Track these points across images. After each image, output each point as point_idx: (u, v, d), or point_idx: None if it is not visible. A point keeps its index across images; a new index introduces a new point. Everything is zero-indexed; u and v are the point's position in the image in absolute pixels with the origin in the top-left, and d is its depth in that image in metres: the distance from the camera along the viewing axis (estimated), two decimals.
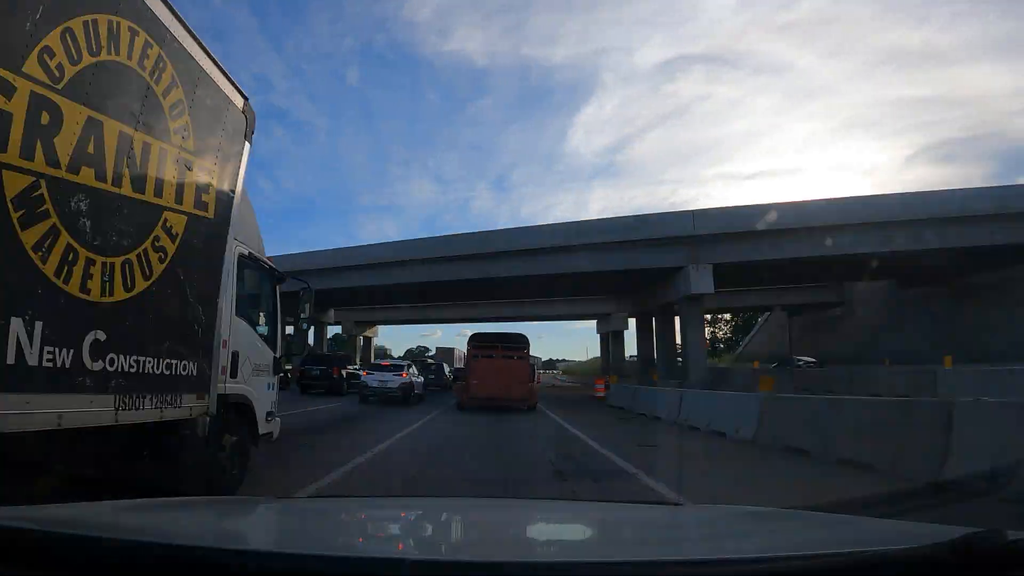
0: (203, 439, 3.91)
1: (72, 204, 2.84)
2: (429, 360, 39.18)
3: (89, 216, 2.93)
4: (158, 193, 3.46)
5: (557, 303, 44.49)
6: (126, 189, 3.19)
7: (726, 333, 65.16)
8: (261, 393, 5.19)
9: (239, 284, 4.74)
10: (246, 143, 4.59)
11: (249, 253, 5.06)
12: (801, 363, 30.97)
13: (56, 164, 2.72)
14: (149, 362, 3.35)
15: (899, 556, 1.16)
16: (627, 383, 24.22)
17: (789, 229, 23.39)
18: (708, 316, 44.27)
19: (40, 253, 2.65)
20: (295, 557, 1.24)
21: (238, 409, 4.73)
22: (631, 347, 43.13)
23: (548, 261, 27.05)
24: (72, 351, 2.83)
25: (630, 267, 26.54)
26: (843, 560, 1.15)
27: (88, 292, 2.93)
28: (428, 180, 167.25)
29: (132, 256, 3.24)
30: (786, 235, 23.70)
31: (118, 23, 3.06)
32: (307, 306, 6.92)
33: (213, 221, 4.03)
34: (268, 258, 5.68)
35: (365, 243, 35.86)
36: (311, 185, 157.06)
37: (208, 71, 4.00)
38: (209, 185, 3.99)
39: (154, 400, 3.37)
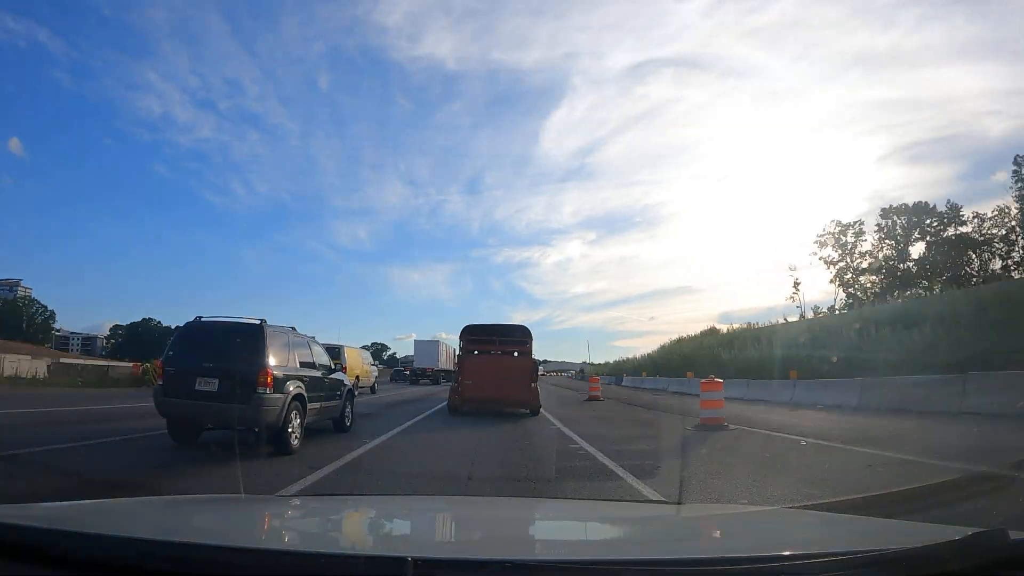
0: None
1: None
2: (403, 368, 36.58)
3: None
4: None
5: None
6: None
7: None
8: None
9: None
10: None
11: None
12: None
13: None
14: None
15: (902, 556, 1.16)
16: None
17: None
18: None
19: None
20: (298, 555, 1.24)
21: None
22: None
23: None
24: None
25: None
26: (844, 559, 1.15)
27: None
28: (400, 184, 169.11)
29: None
30: None
31: None
32: None
33: None
34: None
35: None
36: (284, 188, 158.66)
37: None
38: None
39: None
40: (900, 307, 28.11)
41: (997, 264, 47.52)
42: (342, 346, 20.31)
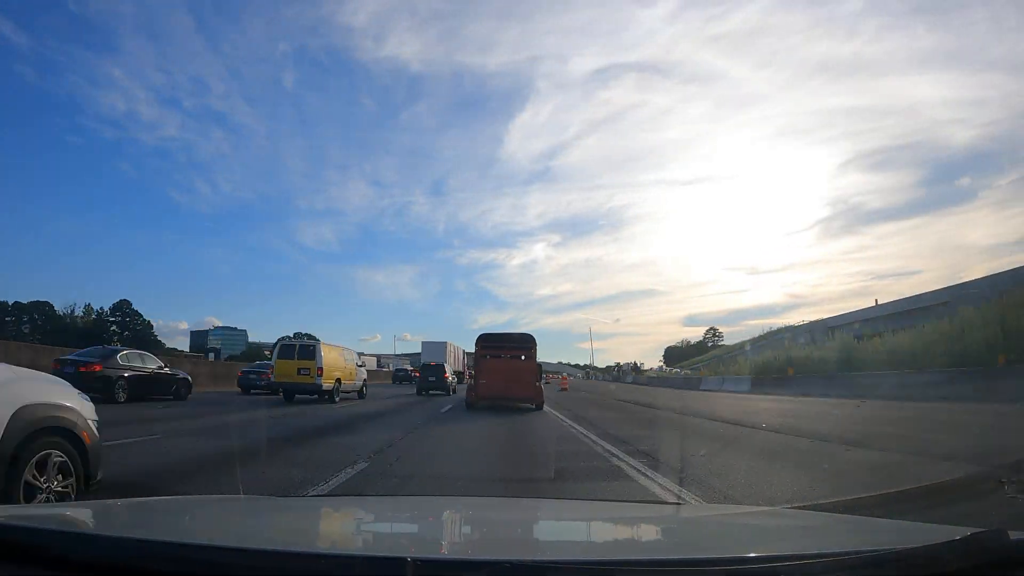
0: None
1: None
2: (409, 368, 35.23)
3: None
4: None
5: None
6: None
7: None
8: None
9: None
10: None
11: None
12: None
13: None
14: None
15: (901, 556, 1.16)
16: None
17: None
18: None
19: None
20: (298, 555, 1.24)
21: None
22: None
23: None
24: None
25: None
26: (844, 560, 1.15)
27: None
28: (366, 184, 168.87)
29: None
30: None
31: None
32: None
33: None
34: None
35: None
36: (249, 188, 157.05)
37: None
38: None
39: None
40: None
41: None
42: (316, 343, 18.23)
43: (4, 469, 2.54)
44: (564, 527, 2.13)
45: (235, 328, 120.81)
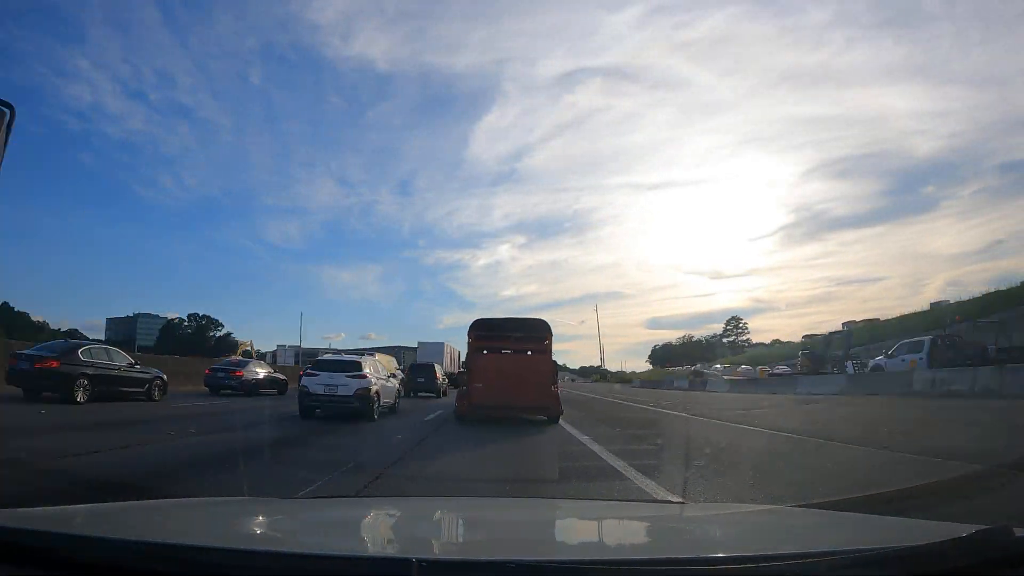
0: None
1: None
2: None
3: None
4: None
5: None
6: None
7: None
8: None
9: None
10: None
11: None
12: None
13: None
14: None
15: (906, 553, 1.15)
16: None
17: None
18: None
19: None
20: (303, 557, 1.24)
21: None
22: None
23: None
24: None
25: None
26: (849, 558, 1.15)
27: None
28: (332, 183, 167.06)
29: None
30: None
31: None
32: None
33: None
34: None
35: None
36: (214, 184, 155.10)
37: None
38: None
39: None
40: None
41: None
42: (249, 344, 16.38)
43: None
44: (568, 527, 2.13)
45: (156, 315, 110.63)
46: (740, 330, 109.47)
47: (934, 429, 9.54)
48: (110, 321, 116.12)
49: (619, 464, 6.44)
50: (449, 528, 2.01)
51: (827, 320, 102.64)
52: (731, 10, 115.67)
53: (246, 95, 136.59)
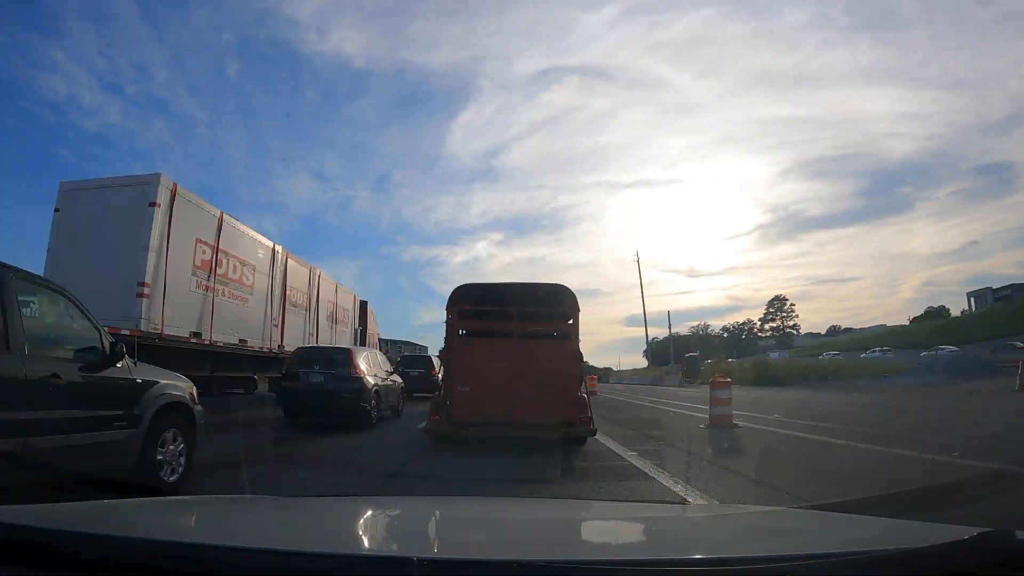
0: None
1: None
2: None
3: None
4: None
5: None
6: None
7: None
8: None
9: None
10: None
11: None
12: None
13: None
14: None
15: (908, 556, 1.15)
16: None
17: None
18: None
19: None
20: (303, 556, 1.24)
21: None
22: None
23: None
24: None
25: None
26: (851, 560, 1.14)
27: None
28: (309, 178, 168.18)
29: None
30: None
31: None
32: None
33: None
34: None
35: None
36: (191, 179, 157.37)
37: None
38: None
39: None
40: None
41: None
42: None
43: None
44: (570, 527, 2.13)
45: None
46: (786, 314, 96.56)
47: None
48: None
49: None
50: (450, 527, 2.01)
51: (804, 319, 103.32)
52: (707, 11, 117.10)
53: (223, 89, 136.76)
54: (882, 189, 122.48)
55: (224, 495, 2.78)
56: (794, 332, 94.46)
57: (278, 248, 14.83)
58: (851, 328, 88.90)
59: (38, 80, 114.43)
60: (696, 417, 12.59)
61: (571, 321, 8.35)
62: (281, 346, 14.84)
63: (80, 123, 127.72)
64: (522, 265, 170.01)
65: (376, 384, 11.32)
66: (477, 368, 7.85)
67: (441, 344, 9.05)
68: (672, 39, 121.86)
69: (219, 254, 11.92)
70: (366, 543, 1.72)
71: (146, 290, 9.84)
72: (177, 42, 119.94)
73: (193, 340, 11.17)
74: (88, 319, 4.43)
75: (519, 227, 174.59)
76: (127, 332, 8.86)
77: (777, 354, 67.06)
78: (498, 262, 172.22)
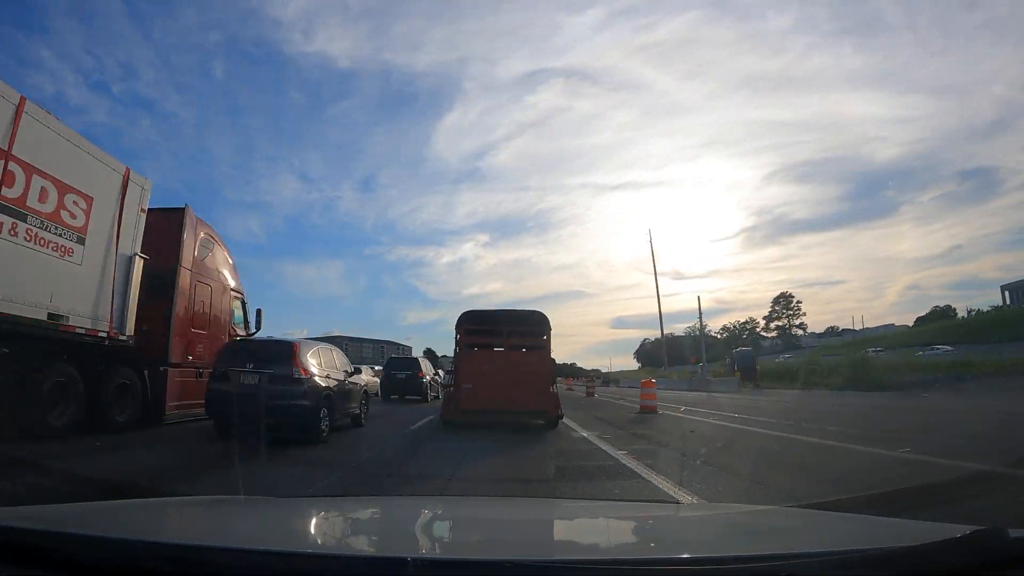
0: None
1: None
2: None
3: None
4: None
5: None
6: None
7: None
8: None
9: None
10: None
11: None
12: None
13: None
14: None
15: (902, 554, 1.16)
16: None
17: None
18: None
19: None
20: (299, 556, 1.24)
21: None
22: None
23: None
24: None
25: None
26: (846, 558, 1.15)
27: None
28: (294, 178, 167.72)
29: None
30: None
31: None
32: None
33: None
34: None
35: None
36: (176, 178, 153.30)
37: None
38: None
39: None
40: None
41: None
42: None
43: None
44: (564, 526, 2.13)
45: None
46: (792, 311, 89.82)
47: None
48: None
49: None
50: (445, 527, 2.01)
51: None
52: (692, 15, 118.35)
53: (209, 89, 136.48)
54: (867, 193, 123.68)
55: (220, 496, 2.77)
56: (801, 331, 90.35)
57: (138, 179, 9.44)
58: (850, 329, 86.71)
59: (24, 78, 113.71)
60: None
61: (544, 337, 11.65)
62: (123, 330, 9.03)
63: (66, 121, 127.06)
64: (508, 267, 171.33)
65: (329, 387, 9.03)
66: (477, 371, 11.22)
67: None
68: (658, 42, 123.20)
69: (11, 164, 6.85)
70: (361, 543, 1.72)
71: None
72: (163, 41, 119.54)
73: None
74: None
75: (505, 228, 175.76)
76: None
77: (785, 356, 62.46)
78: (484, 263, 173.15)
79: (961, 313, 72.21)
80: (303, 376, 8.37)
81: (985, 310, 65.28)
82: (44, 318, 7.37)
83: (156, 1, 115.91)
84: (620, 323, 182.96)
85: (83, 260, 8.10)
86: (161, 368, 9.78)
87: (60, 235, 7.66)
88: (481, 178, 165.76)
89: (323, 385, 8.82)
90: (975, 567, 1.10)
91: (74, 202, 7.95)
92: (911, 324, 78.27)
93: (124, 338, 8.91)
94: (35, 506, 1.79)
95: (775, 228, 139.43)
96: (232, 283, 12.50)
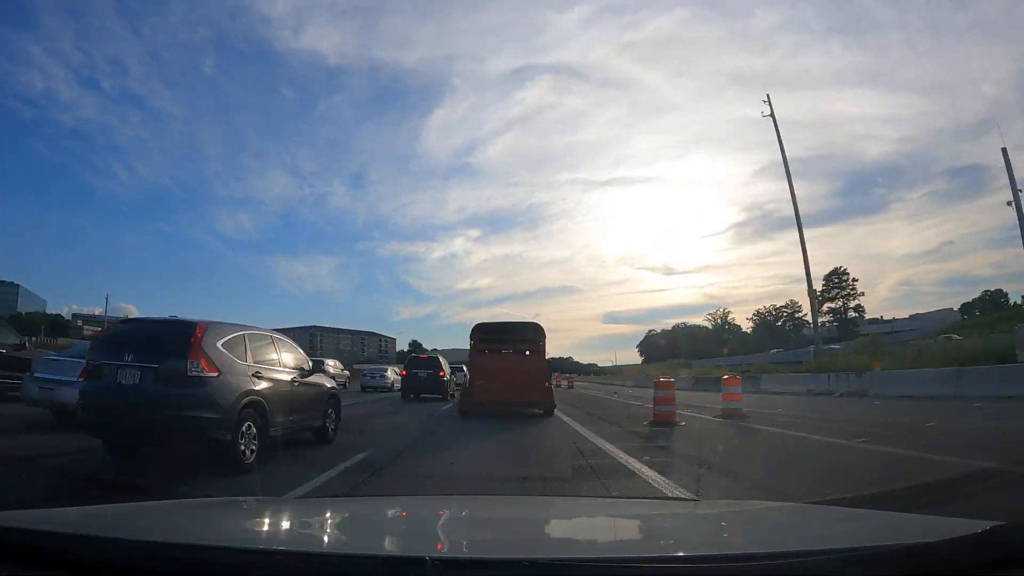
0: None
1: None
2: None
3: None
4: None
5: None
6: None
7: None
8: None
9: None
10: None
11: None
12: None
13: None
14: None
15: (921, 550, 1.15)
16: None
17: None
18: None
19: None
20: (315, 556, 1.25)
21: None
22: None
23: None
24: None
25: None
26: (864, 555, 1.15)
27: None
28: (285, 174, 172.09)
29: None
30: None
31: None
32: None
33: None
34: None
35: None
36: (167, 174, 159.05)
37: None
38: None
39: None
40: None
41: None
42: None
43: None
44: (579, 524, 2.13)
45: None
46: (846, 289, 71.08)
47: None
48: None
49: None
50: (461, 526, 2.01)
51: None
52: (679, 13, 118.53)
53: (199, 85, 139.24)
54: (857, 190, 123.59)
55: (233, 497, 2.79)
56: (857, 315, 72.70)
57: None
58: (876, 319, 73.45)
59: (15, 74, 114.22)
60: None
61: (541, 343, 14.60)
62: None
63: (57, 117, 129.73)
64: (499, 262, 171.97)
65: (258, 391, 6.23)
66: (488, 370, 13.72)
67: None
68: (645, 40, 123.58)
69: None
70: (378, 542, 1.73)
71: None
72: (153, 37, 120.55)
73: None
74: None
75: (496, 223, 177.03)
76: None
77: (838, 345, 46.93)
78: (475, 259, 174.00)
79: (1014, 299, 63.99)
80: (206, 374, 5.66)
81: None
82: None
83: None
84: (612, 318, 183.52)
85: None
86: None
87: None
88: (471, 174, 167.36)
89: (246, 388, 6.05)
90: (994, 563, 1.09)
91: None
92: (956, 309, 70.27)
93: None
94: (40, 509, 1.82)
95: (765, 224, 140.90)
96: None
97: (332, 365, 24.99)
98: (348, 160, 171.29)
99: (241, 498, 2.65)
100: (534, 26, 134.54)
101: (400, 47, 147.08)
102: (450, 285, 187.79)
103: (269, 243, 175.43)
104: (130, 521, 1.74)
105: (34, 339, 32.67)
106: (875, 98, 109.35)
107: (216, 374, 5.73)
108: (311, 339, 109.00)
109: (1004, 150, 28.82)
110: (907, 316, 74.33)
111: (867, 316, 74.89)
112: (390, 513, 2.23)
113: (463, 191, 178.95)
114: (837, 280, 70.15)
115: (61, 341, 36.79)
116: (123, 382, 5.63)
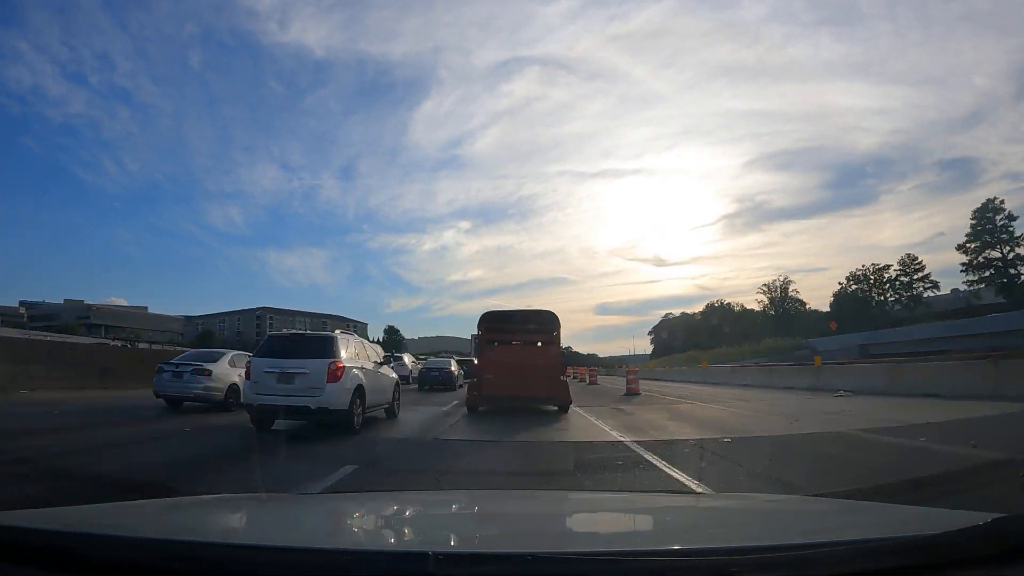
0: None
1: None
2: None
3: None
4: None
5: None
6: None
7: None
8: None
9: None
10: None
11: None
12: None
13: None
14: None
15: (924, 542, 1.15)
16: None
17: None
18: None
19: None
20: (321, 552, 1.25)
21: None
22: None
23: None
24: None
25: None
26: (868, 547, 1.14)
27: None
28: (274, 167, 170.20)
29: None
30: None
31: None
32: None
33: None
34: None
35: None
36: (156, 169, 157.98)
37: None
38: None
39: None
40: None
41: None
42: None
43: None
44: (585, 518, 2.13)
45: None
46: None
47: None
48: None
49: None
50: (465, 521, 2.01)
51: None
52: (666, 3, 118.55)
53: (186, 79, 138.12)
54: (847, 181, 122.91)
55: (240, 494, 2.80)
56: (932, 293, 58.04)
57: None
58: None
59: (2, 70, 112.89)
60: None
61: (555, 333, 13.18)
62: None
63: (46, 113, 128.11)
64: (490, 254, 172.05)
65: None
66: (497, 363, 12.38)
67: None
68: (631, 31, 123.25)
69: None
70: (382, 538, 1.74)
71: None
72: (140, 32, 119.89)
73: None
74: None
75: (486, 215, 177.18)
76: None
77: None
78: (466, 251, 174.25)
79: None
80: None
81: None
82: None
83: None
84: (604, 309, 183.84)
85: None
86: None
87: None
88: (460, 166, 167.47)
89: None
90: (997, 555, 1.09)
91: None
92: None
93: None
94: (47, 508, 1.82)
95: (756, 215, 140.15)
96: None
97: (408, 359, 29.14)
98: (337, 153, 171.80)
99: (244, 495, 2.66)
100: (520, 18, 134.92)
101: (386, 40, 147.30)
102: (442, 277, 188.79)
103: (259, 236, 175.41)
104: (134, 518, 1.74)
105: None
106: (865, 90, 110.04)
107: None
108: (258, 321, 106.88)
109: None
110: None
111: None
112: (394, 508, 2.23)
113: (452, 183, 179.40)
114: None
115: None
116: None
